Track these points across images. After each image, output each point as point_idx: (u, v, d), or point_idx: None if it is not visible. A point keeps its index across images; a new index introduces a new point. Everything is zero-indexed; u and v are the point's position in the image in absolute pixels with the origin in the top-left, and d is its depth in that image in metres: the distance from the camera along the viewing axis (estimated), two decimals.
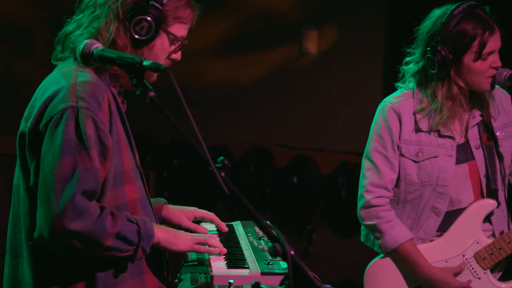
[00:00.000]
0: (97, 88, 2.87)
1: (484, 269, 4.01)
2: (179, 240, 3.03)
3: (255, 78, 7.07)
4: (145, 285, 3.02)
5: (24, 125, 2.91)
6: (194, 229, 3.38)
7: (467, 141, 3.99)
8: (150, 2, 2.94)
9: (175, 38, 3.04)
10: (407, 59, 4.02)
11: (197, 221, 3.48)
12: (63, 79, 2.91)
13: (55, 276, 2.91)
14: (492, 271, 4.03)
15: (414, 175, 3.97)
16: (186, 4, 3.04)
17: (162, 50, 3.03)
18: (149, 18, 2.94)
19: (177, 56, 3.10)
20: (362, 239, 4.15)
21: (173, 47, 3.07)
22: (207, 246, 3.12)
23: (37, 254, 2.91)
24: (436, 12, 3.90)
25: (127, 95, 2.96)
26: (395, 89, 4.09)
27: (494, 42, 3.83)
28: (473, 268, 4.00)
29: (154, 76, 3.00)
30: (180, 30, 3.05)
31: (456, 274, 3.96)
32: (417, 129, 3.95)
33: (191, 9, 3.06)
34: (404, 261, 3.98)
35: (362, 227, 4.11)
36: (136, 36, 2.95)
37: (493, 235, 4.04)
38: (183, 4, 3.02)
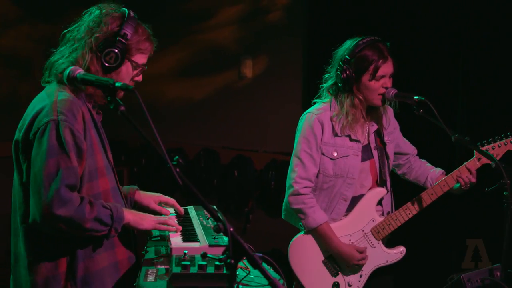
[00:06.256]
0: (73, 104, 2.87)
1: (378, 240, 4.05)
2: (144, 221, 3.04)
3: (204, 96, 7.05)
4: (116, 255, 3.02)
5: (18, 134, 2.90)
6: (158, 211, 3.38)
7: (369, 143, 4.04)
8: (117, 38, 2.93)
9: (137, 65, 3.04)
10: (325, 76, 4.04)
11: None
12: (47, 98, 2.90)
13: (43, 250, 2.90)
14: (382, 242, 4.08)
15: (330, 169, 3.98)
16: (146, 39, 3.04)
17: (127, 74, 3.03)
18: (116, 50, 2.94)
19: (139, 78, 3.10)
20: (283, 217, 4.14)
21: (135, 72, 3.06)
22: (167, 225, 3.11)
23: (29, 234, 2.90)
24: (348, 42, 3.96)
25: (106, 109, 2.93)
26: (310, 104, 4.10)
27: (386, 68, 3.87)
28: (370, 240, 4.04)
29: (122, 93, 2.97)
30: (141, 58, 3.05)
31: (358, 250, 3.99)
32: (335, 134, 3.97)
33: (149, 42, 3.06)
34: (320, 237, 4.00)
35: (284, 207, 4.09)
36: (106, 64, 2.94)
37: (383, 214, 4.11)
38: (144, 39, 3.03)
